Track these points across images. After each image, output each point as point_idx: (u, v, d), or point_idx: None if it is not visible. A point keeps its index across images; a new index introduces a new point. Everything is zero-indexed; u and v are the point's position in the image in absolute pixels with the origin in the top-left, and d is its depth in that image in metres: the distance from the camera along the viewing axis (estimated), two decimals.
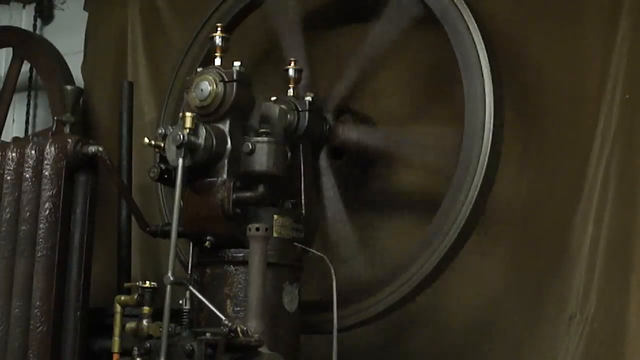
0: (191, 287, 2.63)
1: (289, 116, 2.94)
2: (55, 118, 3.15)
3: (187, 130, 2.62)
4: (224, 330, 2.44)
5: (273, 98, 2.98)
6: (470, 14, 2.86)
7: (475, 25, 2.86)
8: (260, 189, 2.70)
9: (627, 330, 2.90)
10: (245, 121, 2.81)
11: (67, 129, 3.07)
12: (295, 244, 2.81)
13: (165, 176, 2.75)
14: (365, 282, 2.98)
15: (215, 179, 2.71)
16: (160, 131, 2.69)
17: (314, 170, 3.06)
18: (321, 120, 3.07)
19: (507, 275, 3.17)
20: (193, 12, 3.71)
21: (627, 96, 3.00)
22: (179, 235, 2.85)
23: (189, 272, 2.82)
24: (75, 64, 4.25)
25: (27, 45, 4.34)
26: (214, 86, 2.73)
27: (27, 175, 2.96)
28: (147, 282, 2.67)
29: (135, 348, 2.58)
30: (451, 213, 2.84)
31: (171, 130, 2.65)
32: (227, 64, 2.78)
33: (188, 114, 2.64)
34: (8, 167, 2.99)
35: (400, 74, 3.36)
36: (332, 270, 2.77)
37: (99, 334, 3.01)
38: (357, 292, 2.95)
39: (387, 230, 3.33)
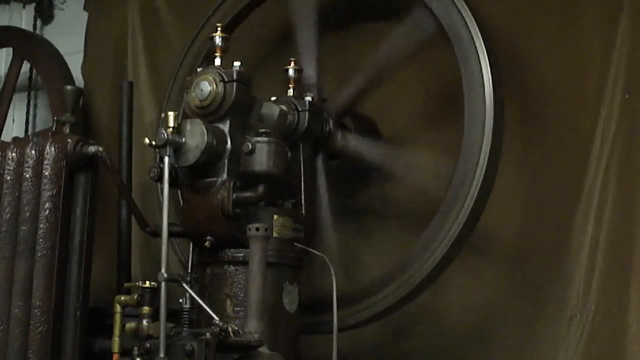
0: (185, 284, 2.63)
1: (289, 116, 2.95)
2: (55, 118, 3.15)
3: (170, 129, 2.62)
4: (215, 330, 2.44)
5: (273, 98, 2.98)
6: (480, 37, 2.85)
7: (484, 47, 2.84)
8: (260, 189, 2.70)
9: (627, 330, 2.90)
10: (245, 121, 2.81)
11: (67, 129, 3.07)
12: (295, 244, 2.81)
13: None
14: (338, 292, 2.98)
15: (215, 179, 2.71)
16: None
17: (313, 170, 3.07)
18: (321, 120, 3.07)
19: (507, 275, 3.17)
20: (193, 12, 3.71)
21: (627, 96, 3.00)
22: (179, 235, 2.86)
23: (189, 272, 2.82)
24: (75, 64, 4.25)
25: (27, 45, 4.34)
26: (214, 86, 2.73)
27: (27, 175, 2.96)
28: (147, 282, 2.67)
29: (135, 348, 2.58)
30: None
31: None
32: (227, 64, 2.78)
33: (170, 113, 2.65)
34: (8, 167, 2.99)
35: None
36: (332, 270, 2.77)
37: (99, 334, 3.01)
38: (323, 302, 2.91)
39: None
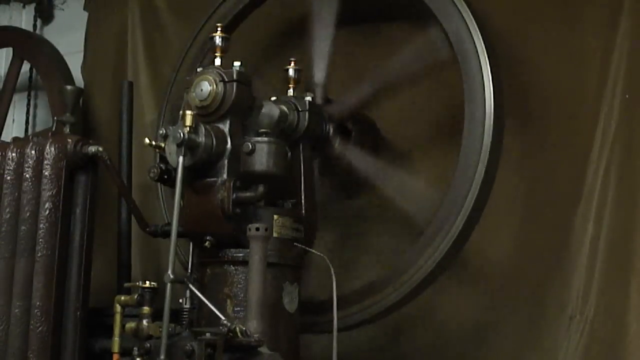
0: (191, 286, 2.63)
1: (289, 116, 2.95)
2: (55, 118, 3.15)
3: (188, 129, 2.62)
4: (223, 330, 2.44)
5: (273, 98, 2.98)
6: (487, 61, 2.85)
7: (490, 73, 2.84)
8: (260, 189, 2.70)
9: (627, 330, 2.90)
10: (245, 121, 2.81)
11: (67, 129, 3.07)
12: (295, 244, 2.81)
13: (165, 176, 2.74)
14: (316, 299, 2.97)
15: (215, 179, 2.71)
16: (160, 131, 2.69)
17: (320, 172, 3.07)
18: (321, 120, 3.07)
19: (507, 275, 3.17)
20: (193, 12, 3.71)
21: (627, 96, 3.00)
22: (179, 235, 2.85)
23: (189, 271, 2.82)
24: (75, 64, 4.25)
25: (27, 45, 4.34)
26: (214, 86, 2.73)
27: (27, 175, 2.96)
28: (147, 282, 2.67)
29: (135, 348, 2.58)
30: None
31: (171, 129, 2.65)
32: (227, 64, 2.78)
33: (188, 112, 2.64)
34: (8, 167, 2.99)
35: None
36: (332, 270, 2.77)
37: (99, 334, 3.01)
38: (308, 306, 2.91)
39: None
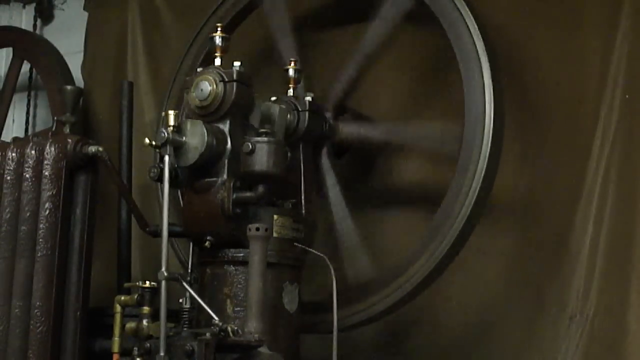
0: (185, 283, 2.63)
1: (289, 116, 2.95)
2: (55, 118, 3.15)
3: (171, 128, 2.62)
4: (215, 329, 2.44)
5: (273, 98, 2.98)
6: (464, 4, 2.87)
7: (469, 13, 2.87)
8: (260, 189, 2.70)
9: (627, 330, 2.90)
10: (245, 121, 2.81)
11: (67, 129, 3.07)
12: (295, 244, 2.81)
13: None
14: (370, 279, 2.98)
15: (215, 179, 2.71)
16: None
17: (315, 169, 3.07)
18: (321, 120, 3.07)
19: (507, 276, 3.17)
20: (193, 12, 3.71)
21: (627, 96, 3.00)
22: (179, 235, 2.86)
23: (189, 272, 2.82)
24: (75, 64, 4.25)
25: (27, 45, 4.34)
26: (214, 86, 2.73)
27: (27, 175, 2.96)
28: (147, 282, 2.68)
29: (135, 348, 2.58)
30: (451, 212, 2.84)
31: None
32: (227, 64, 2.78)
33: (171, 112, 2.65)
34: (8, 167, 2.99)
35: (396, 70, 3.36)
36: (332, 270, 2.77)
37: (99, 334, 3.01)
38: (363, 289, 2.94)
39: (390, 226, 3.34)
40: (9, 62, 4.37)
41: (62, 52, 4.25)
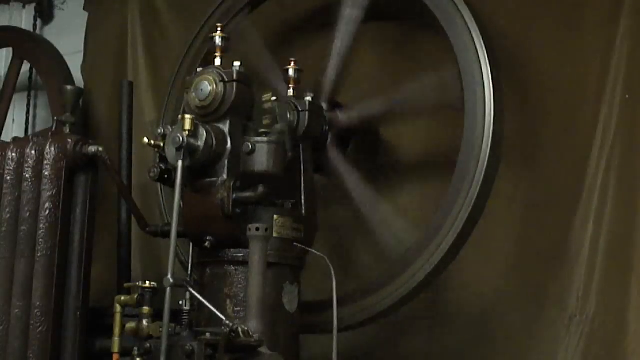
0: (191, 289, 2.63)
1: (289, 116, 2.94)
2: (55, 118, 3.15)
3: (187, 132, 2.62)
4: (225, 330, 2.44)
5: (273, 98, 2.98)
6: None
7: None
8: (260, 189, 2.70)
9: (627, 330, 2.90)
10: (245, 121, 2.81)
11: (67, 129, 3.07)
12: (295, 244, 2.81)
13: (165, 176, 2.74)
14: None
15: (215, 179, 2.71)
16: (159, 131, 2.70)
17: (323, 165, 3.06)
18: (321, 119, 3.07)
19: (507, 276, 3.17)
20: (193, 12, 3.72)
21: (627, 96, 3.00)
22: (179, 235, 2.85)
23: (189, 272, 2.82)
24: (75, 64, 4.25)
25: (27, 45, 4.34)
26: (214, 86, 2.73)
27: (27, 175, 2.96)
28: (147, 283, 2.68)
29: (135, 348, 2.58)
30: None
31: (171, 131, 2.65)
32: (227, 64, 2.78)
33: (187, 116, 2.64)
34: (8, 167, 2.99)
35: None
36: (332, 270, 2.77)
37: (99, 334, 3.01)
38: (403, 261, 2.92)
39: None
40: (9, 62, 4.37)
41: (62, 52, 4.26)
